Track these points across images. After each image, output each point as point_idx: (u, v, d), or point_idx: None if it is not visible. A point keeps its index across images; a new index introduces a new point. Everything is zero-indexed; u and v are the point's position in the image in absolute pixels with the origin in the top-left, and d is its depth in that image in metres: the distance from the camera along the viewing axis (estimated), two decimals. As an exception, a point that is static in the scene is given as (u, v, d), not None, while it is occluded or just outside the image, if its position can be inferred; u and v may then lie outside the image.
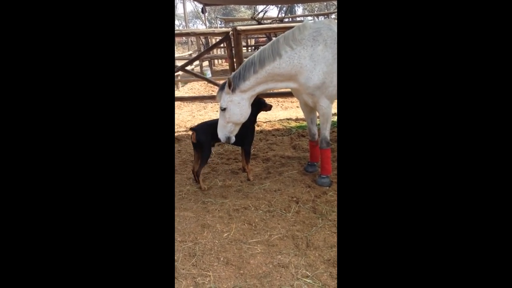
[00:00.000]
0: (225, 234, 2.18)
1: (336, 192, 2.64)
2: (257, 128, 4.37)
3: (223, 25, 16.20)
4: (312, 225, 2.25)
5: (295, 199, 2.60)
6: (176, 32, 5.11)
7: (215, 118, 4.98)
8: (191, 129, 2.88)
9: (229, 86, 2.41)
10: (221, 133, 2.60)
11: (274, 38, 2.69)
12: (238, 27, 4.53)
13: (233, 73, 2.52)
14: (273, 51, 2.40)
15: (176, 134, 4.51)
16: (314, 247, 2.02)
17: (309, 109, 2.87)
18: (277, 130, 4.47)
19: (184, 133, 4.63)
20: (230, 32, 4.52)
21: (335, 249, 1.99)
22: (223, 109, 2.50)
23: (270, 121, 4.86)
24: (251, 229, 2.24)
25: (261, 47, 2.50)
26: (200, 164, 2.84)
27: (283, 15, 11.60)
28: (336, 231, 2.17)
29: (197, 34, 4.78)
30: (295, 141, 3.96)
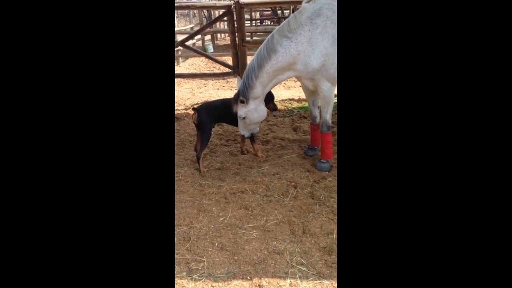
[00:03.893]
0: (221, 219, 2.16)
1: (336, 178, 2.60)
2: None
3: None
4: (310, 211, 2.22)
5: (293, 183, 2.56)
6: (175, 4, 4.88)
7: (217, 98, 4.88)
8: (193, 109, 2.83)
9: (243, 102, 2.49)
10: (245, 132, 2.76)
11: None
12: (241, 0, 4.30)
13: (239, 85, 2.57)
14: (268, 49, 2.36)
15: (175, 113, 4.43)
16: (311, 233, 2.00)
17: (311, 90, 2.77)
18: (278, 110, 4.35)
19: (183, 111, 4.54)
20: (233, 6, 4.30)
21: (332, 236, 1.97)
22: (242, 118, 2.60)
23: (271, 101, 4.74)
24: (248, 214, 2.22)
25: (260, 46, 2.44)
26: (201, 147, 2.80)
27: (290, -13, 11.08)
28: (333, 217, 2.14)
29: (197, 8, 4.56)
30: (296, 122, 3.87)
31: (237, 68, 4.48)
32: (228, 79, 6.36)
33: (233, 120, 2.82)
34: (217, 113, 2.85)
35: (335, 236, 1.97)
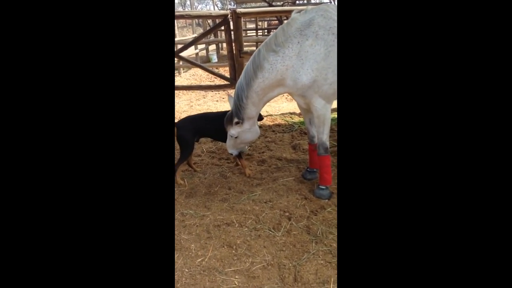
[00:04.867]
0: (199, 260, 1.85)
1: (336, 207, 2.27)
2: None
3: (235, 7, 15.55)
4: (304, 250, 1.90)
5: (287, 214, 2.24)
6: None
7: (215, 110, 4.62)
8: None
9: (238, 124, 2.32)
10: (232, 150, 2.56)
11: (285, 21, 2.47)
12: (238, 10, 4.06)
13: (231, 105, 2.36)
14: (254, 67, 2.10)
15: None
16: (303, 281, 1.67)
17: (305, 108, 2.47)
18: (278, 125, 4.07)
19: (177, 126, 4.28)
20: (229, 15, 4.06)
21: (328, 286, 1.64)
22: (234, 137, 2.42)
23: (271, 115, 4.45)
24: (231, 253, 1.90)
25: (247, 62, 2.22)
26: (179, 160, 2.63)
27: (296, -4, 10.91)
28: (331, 260, 1.81)
29: (192, 17, 4.34)
30: (296, 139, 3.57)
31: (234, 80, 4.21)
32: (228, 91, 6.11)
33: (217, 134, 2.64)
34: (198, 126, 2.67)
35: (332, 286, 1.63)
